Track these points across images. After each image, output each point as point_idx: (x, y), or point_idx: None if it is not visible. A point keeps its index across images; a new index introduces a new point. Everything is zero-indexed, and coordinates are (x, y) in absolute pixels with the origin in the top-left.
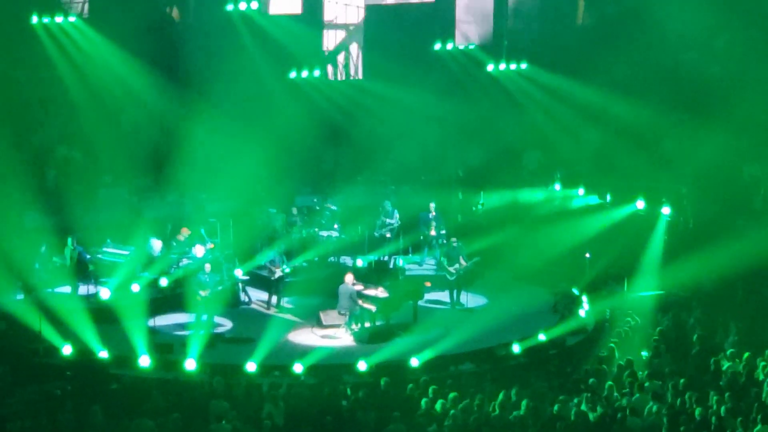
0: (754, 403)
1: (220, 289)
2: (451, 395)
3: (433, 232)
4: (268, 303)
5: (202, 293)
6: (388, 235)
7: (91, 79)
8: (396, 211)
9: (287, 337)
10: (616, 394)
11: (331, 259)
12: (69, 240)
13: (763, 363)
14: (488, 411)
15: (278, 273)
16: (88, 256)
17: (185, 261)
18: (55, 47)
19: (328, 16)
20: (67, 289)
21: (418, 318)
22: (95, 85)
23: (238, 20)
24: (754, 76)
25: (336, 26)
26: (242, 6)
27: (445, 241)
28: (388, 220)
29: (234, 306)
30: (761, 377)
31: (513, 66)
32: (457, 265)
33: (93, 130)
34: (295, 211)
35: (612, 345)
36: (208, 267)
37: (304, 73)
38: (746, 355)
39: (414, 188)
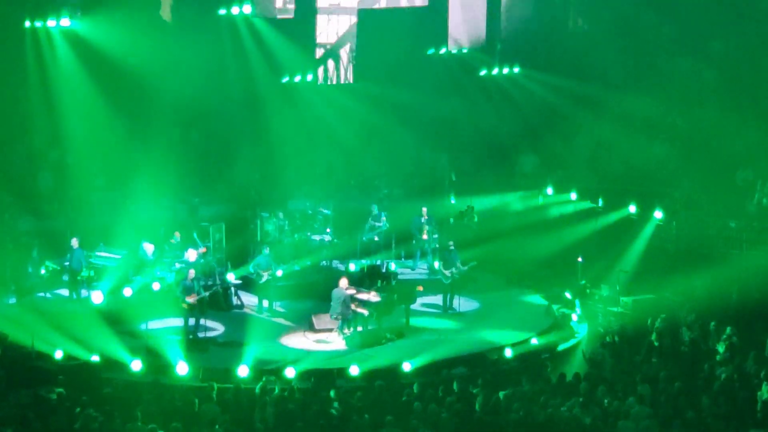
0: (746, 407)
1: (207, 294)
2: (446, 400)
3: (425, 236)
4: (260, 307)
5: (189, 299)
6: (376, 239)
7: (83, 82)
8: (383, 214)
9: (279, 341)
10: (608, 398)
11: (324, 263)
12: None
13: (755, 368)
14: (481, 415)
15: (266, 276)
16: (84, 262)
17: (178, 265)
18: (47, 51)
19: (320, 20)
20: (59, 292)
21: (411, 322)
22: (87, 88)
23: (230, 24)
24: (748, 80)
25: (328, 31)
26: (235, 10)
27: (437, 246)
28: (376, 224)
29: (226, 310)
30: (754, 382)
31: (506, 70)
32: (453, 269)
33: (85, 133)
34: (281, 215)
35: (604, 349)
36: (192, 273)
37: (297, 78)
38: (738, 359)
39: (407, 192)
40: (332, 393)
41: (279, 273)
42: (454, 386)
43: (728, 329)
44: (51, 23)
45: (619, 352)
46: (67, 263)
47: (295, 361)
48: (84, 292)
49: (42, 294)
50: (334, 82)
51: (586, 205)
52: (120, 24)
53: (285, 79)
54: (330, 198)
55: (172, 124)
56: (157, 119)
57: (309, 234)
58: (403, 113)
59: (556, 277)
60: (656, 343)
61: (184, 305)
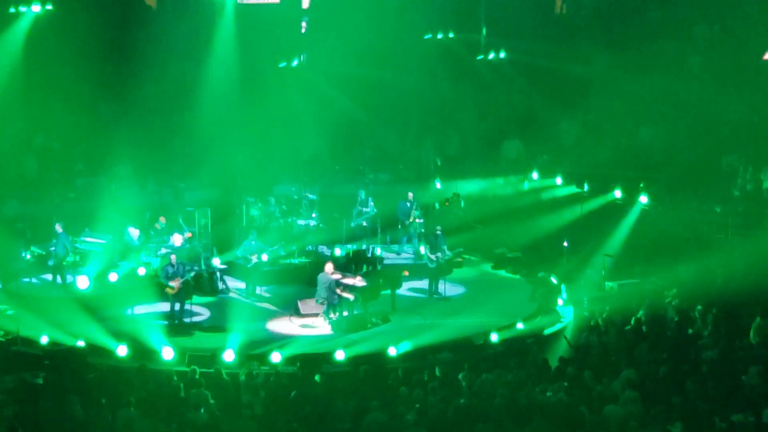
0: (732, 391)
1: (190, 276)
2: (430, 385)
3: (411, 220)
4: (246, 291)
5: (172, 284)
6: (365, 224)
7: (67, 66)
8: (371, 199)
9: (265, 326)
10: (593, 383)
11: (309, 248)
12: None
13: (740, 352)
14: (466, 400)
15: (254, 261)
16: (68, 246)
17: (163, 250)
18: (31, 35)
19: (306, 2)
20: (44, 277)
21: (397, 307)
22: (72, 72)
23: (217, 9)
24: (733, 65)
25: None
26: None
27: (423, 230)
28: (363, 209)
29: (212, 295)
30: (739, 365)
31: (491, 55)
32: (439, 254)
33: (70, 118)
34: (272, 200)
35: (589, 333)
36: (173, 258)
37: (282, 63)
38: (723, 343)
39: (392, 177)
40: (318, 377)
41: (264, 258)
42: (438, 371)
43: (713, 313)
44: (35, 8)
45: (605, 337)
46: (52, 248)
47: (281, 346)
48: (69, 278)
49: (27, 279)
50: (324, 65)
51: (572, 189)
52: (105, 7)
53: (282, 65)
54: (315, 183)
55: (157, 108)
56: (142, 104)
57: (295, 219)
58: (388, 98)
59: (542, 261)
60: (641, 327)
61: (169, 290)
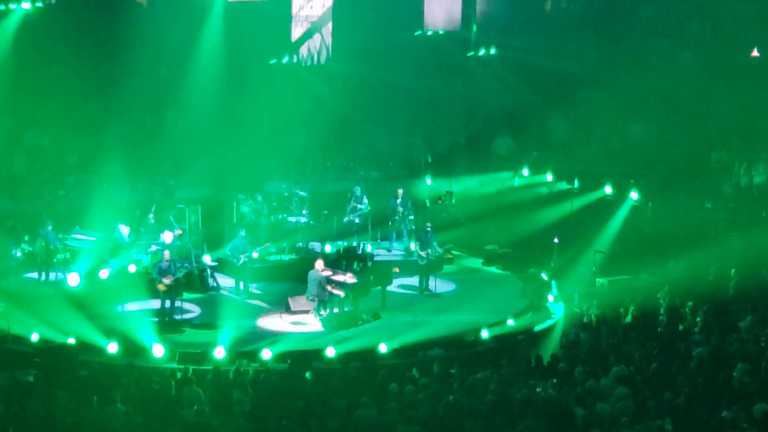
0: (723, 387)
1: (182, 275)
2: (420, 381)
3: (398, 217)
4: (236, 289)
5: (165, 281)
6: (357, 221)
7: (57, 63)
8: (365, 196)
9: (256, 323)
10: (584, 379)
11: (300, 244)
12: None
13: (731, 348)
14: (457, 397)
15: (243, 259)
16: (58, 244)
17: (154, 247)
18: (21, 32)
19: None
20: (35, 275)
21: (387, 304)
22: (62, 69)
23: (207, 6)
24: (724, 62)
25: (305, 11)
26: None
27: (413, 227)
28: (358, 206)
29: (202, 292)
30: (730, 362)
31: (482, 52)
32: (429, 250)
33: (61, 116)
34: (259, 197)
35: (580, 330)
36: (167, 254)
37: (272, 60)
38: (714, 340)
39: (382, 174)
40: (308, 374)
41: (255, 255)
42: (432, 368)
43: (704, 310)
44: (26, 5)
45: (596, 333)
46: (42, 243)
47: (272, 343)
48: (60, 275)
49: (18, 276)
50: (315, 62)
51: (562, 186)
52: (95, 5)
53: (273, 61)
54: (306, 180)
55: (147, 105)
56: (133, 101)
57: (285, 216)
58: (378, 95)
59: (533, 258)
60: (632, 324)
61: (160, 287)
